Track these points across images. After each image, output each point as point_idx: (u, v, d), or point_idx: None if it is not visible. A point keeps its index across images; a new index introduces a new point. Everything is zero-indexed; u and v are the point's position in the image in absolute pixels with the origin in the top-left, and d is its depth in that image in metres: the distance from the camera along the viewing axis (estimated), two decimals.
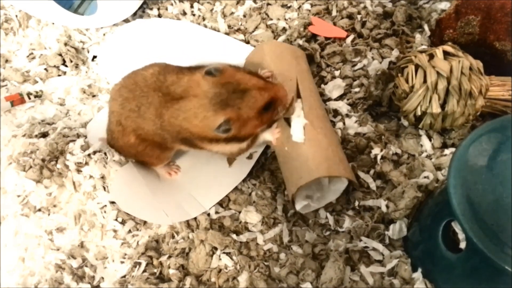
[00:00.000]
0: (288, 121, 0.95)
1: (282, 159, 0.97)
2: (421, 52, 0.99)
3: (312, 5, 1.27)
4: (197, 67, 0.89)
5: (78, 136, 1.04)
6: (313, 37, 1.21)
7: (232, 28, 1.27)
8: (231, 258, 0.90)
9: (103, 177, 0.98)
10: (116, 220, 0.96)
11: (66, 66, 1.24)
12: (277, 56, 1.04)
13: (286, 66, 1.02)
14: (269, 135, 0.97)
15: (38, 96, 1.19)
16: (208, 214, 0.96)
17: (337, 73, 1.13)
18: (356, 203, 0.95)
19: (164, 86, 0.88)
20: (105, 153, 1.00)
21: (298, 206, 0.93)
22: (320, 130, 0.93)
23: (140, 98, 0.89)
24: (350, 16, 1.22)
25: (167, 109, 0.87)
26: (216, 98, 0.82)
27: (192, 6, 1.32)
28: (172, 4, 1.32)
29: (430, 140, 1.01)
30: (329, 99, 1.10)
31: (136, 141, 0.94)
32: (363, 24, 1.20)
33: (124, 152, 1.00)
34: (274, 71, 0.99)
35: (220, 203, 0.98)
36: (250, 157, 1.02)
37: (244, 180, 1.00)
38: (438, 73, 0.94)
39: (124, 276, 0.91)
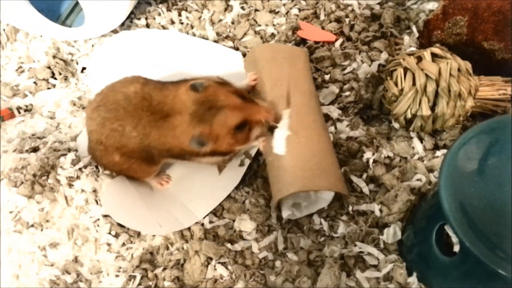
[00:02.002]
0: (273, 131, 0.95)
1: (267, 168, 0.98)
2: (410, 54, 0.99)
3: (300, 10, 1.27)
4: (182, 81, 0.91)
5: (69, 150, 1.04)
6: (302, 42, 1.20)
7: (221, 35, 1.27)
8: (227, 268, 0.90)
9: (95, 191, 0.97)
10: (109, 233, 0.95)
11: (56, 78, 1.24)
12: (268, 60, 1.04)
13: (277, 69, 1.02)
14: (256, 141, 0.98)
15: (28, 110, 1.18)
16: (202, 224, 0.96)
17: (327, 77, 1.13)
18: (350, 208, 0.95)
19: (152, 105, 0.88)
20: (96, 167, 1.00)
21: (285, 214, 0.93)
22: (304, 139, 0.93)
23: (125, 118, 0.89)
24: (338, 20, 1.22)
25: (157, 129, 0.88)
26: (195, 114, 0.85)
27: (180, 15, 1.32)
28: (160, 14, 1.32)
29: (422, 142, 1.01)
30: (322, 104, 1.10)
31: (120, 159, 0.94)
32: (352, 27, 1.20)
33: (110, 169, 0.99)
34: (265, 77, 0.99)
35: (213, 212, 0.98)
36: (242, 164, 1.02)
37: (237, 188, 1.00)
38: (426, 75, 0.94)
39: None
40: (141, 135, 0.89)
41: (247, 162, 1.01)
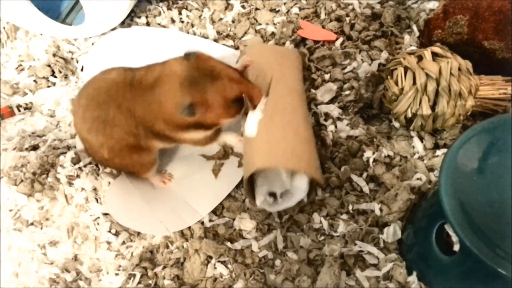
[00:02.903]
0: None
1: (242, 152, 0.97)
2: (410, 54, 0.99)
3: (300, 9, 1.27)
4: (172, 58, 0.88)
5: (69, 148, 1.04)
6: (302, 41, 1.20)
7: (221, 34, 1.26)
8: (226, 267, 0.90)
9: (95, 189, 0.97)
10: (109, 231, 0.96)
11: (55, 77, 1.24)
12: (257, 56, 1.04)
13: (263, 65, 1.02)
14: (233, 139, 0.99)
15: (28, 108, 1.18)
16: (202, 223, 0.96)
17: (327, 76, 1.13)
18: (350, 207, 0.95)
19: (134, 80, 0.87)
20: (96, 165, 1.00)
21: (258, 201, 0.92)
22: (278, 123, 0.92)
23: (108, 102, 0.87)
24: (339, 19, 1.22)
25: (141, 102, 0.86)
26: (186, 81, 0.82)
27: (180, 13, 1.31)
28: (160, 12, 1.32)
29: (422, 141, 1.01)
30: (321, 103, 1.10)
31: (109, 155, 0.92)
32: (352, 27, 1.20)
33: (107, 166, 0.99)
34: (250, 69, 1.00)
35: (214, 211, 0.98)
36: (240, 165, 1.02)
37: (237, 187, 1.00)
38: (427, 74, 0.94)
39: None
40: (125, 113, 0.87)
41: None
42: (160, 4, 1.33)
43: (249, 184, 0.93)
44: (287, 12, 1.27)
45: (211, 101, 0.83)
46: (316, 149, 0.96)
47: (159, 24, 1.30)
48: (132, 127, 0.88)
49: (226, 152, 1.06)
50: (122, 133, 0.89)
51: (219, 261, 0.91)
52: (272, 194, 0.92)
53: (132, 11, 1.31)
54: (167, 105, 0.84)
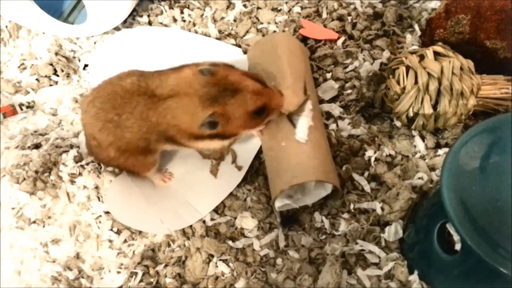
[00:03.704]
0: (290, 118, 0.95)
1: (277, 154, 0.94)
2: (412, 53, 0.99)
3: (302, 8, 1.27)
4: (184, 66, 0.89)
5: (71, 146, 1.04)
6: (304, 40, 1.20)
7: (223, 33, 1.26)
8: (228, 265, 0.90)
9: (97, 187, 0.98)
10: (111, 230, 0.96)
11: (58, 75, 1.24)
12: (290, 51, 1.04)
13: (298, 63, 1.03)
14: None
15: (30, 106, 1.18)
16: (204, 221, 0.96)
17: (328, 75, 1.13)
18: (351, 206, 0.95)
19: (149, 90, 0.87)
20: (98, 164, 1.00)
21: (278, 204, 0.92)
22: (321, 132, 0.95)
23: (122, 106, 0.88)
24: (341, 18, 1.22)
25: (155, 110, 0.86)
26: (206, 95, 0.83)
27: (182, 12, 1.32)
28: (162, 11, 1.32)
29: (423, 141, 1.01)
30: (322, 101, 1.10)
31: (116, 154, 0.93)
32: (354, 26, 1.20)
33: (107, 165, 0.99)
34: (288, 66, 1.00)
35: (215, 210, 0.98)
36: (239, 168, 1.02)
37: (238, 186, 1.00)
38: (429, 74, 0.94)
39: (121, 287, 0.91)
40: (138, 120, 0.87)
41: (249, 161, 1.02)
42: (162, 3, 1.33)
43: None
44: (289, 11, 1.27)
45: (232, 115, 0.84)
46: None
47: (161, 23, 1.30)
48: (144, 133, 0.89)
49: (222, 154, 1.05)
50: (133, 137, 0.90)
51: (220, 260, 0.91)
52: (289, 196, 0.93)
53: (134, 10, 1.31)
54: (184, 117, 0.85)
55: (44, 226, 0.96)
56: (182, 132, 0.88)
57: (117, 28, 1.29)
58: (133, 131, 0.89)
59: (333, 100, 1.10)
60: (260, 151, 1.02)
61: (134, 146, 0.92)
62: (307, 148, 0.91)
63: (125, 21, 1.29)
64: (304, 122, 0.93)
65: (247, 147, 1.01)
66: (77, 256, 0.95)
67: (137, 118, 0.88)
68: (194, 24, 1.29)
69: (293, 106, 0.94)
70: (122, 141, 0.91)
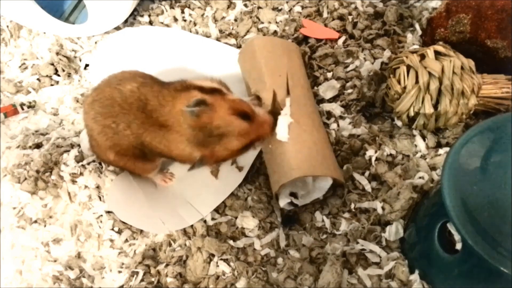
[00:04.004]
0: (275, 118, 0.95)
1: (267, 156, 0.98)
2: (412, 52, 0.99)
3: (303, 7, 1.27)
4: (179, 89, 0.87)
5: (72, 146, 1.04)
6: (305, 40, 1.20)
7: (224, 32, 1.27)
8: (229, 265, 0.91)
9: (98, 187, 0.98)
10: (112, 229, 0.96)
11: (59, 75, 1.24)
12: (268, 51, 1.04)
13: (277, 61, 1.03)
14: None
15: (31, 106, 1.18)
16: (205, 221, 0.96)
17: (329, 75, 1.13)
18: (352, 206, 0.95)
19: (147, 109, 0.86)
20: (99, 163, 1.00)
21: (282, 203, 0.94)
22: (306, 128, 0.94)
23: (119, 115, 0.87)
24: (341, 17, 1.22)
25: (150, 132, 0.86)
26: (193, 138, 0.83)
27: (183, 12, 1.32)
28: (163, 11, 1.32)
29: (424, 140, 1.01)
30: (323, 101, 1.10)
31: (115, 157, 0.93)
32: (355, 25, 1.20)
33: (109, 165, 1.00)
34: (264, 66, 1.00)
35: (216, 209, 0.98)
36: (240, 169, 1.02)
37: (239, 185, 1.00)
38: (429, 73, 0.94)
39: (122, 286, 0.91)
40: (134, 134, 0.87)
41: (250, 162, 1.02)
42: (163, 2, 1.34)
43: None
44: (290, 10, 1.27)
45: (219, 155, 0.85)
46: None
47: (162, 23, 1.30)
48: (139, 145, 0.89)
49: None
50: (130, 146, 0.90)
51: (221, 259, 0.91)
52: (293, 194, 0.94)
53: (135, 9, 1.31)
54: (176, 151, 0.87)
55: (45, 226, 0.97)
56: (177, 159, 0.90)
57: (118, 28, 1.29)
58: (130, 140, 0.88)
59: (334, 99, 1.10)
60: (261, 152, 1.03)
61: (131, 153, 0.91)
62: (289, 146, 0.92)
63: (126, 21, 1.29)
64: (283, 121, 0.93)
65: None
66: (78, 256, 0.95)
67: (133, 131, 0.87)
68: (194, 24, 1.29)
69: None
70: (120, 146, 0.90)
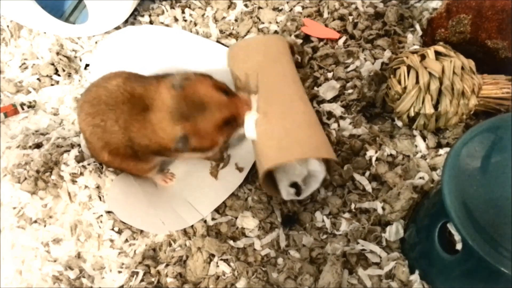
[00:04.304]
0: None
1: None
2: (413, 52, 0.99)
3: (303, 8, 1.27)
4: (164, 76, 0.89)
5: (72, 146, 1.04)
6: (306, 40, 1.20)
7: (224, 32, 1.27)
8: (229, 265, 0.91)
9: (98, 187, 0.98)
10: (112, 229, 0.96)
11: (59, 75, 1.24)
12: (242, 54, 1.04)
13: (249, 60, 1.02)
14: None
15: (31, 106, 1.18)
16: (205, 221, 0.96)
17: (330, 75, 1.13)
18: (352, 206, 0.95)
19: (133, 98, 0.87)
20: (100, 163, 1.00)
21: (284, 195, 0.92)
22: (274, 118, 0.91)
23: (106, 112, 0.88)
24: (342, 18, 1.22)
25: (137, 121, 0.86)
26: (176, 111, 0.83)
27: (183, 12, 1.32)
28: (163, 11, 1.32)
29: (425, 140, 1.01)
30: (323, 101, 1.10)
31: (109, 157, 0.93)
32: (355, 25, 1.20)
33: (107, 166, 1.00)
34: (237, 71, 1.01)
35: (216, 209, 0.98)
36: (240, 170, 1.02)
37: (240, 186, 1.00)
38: (430, 73, 0.94)
39: (122, 286, 0.91)
40: (122, 129, 0.87)
41: (250, 163, 1.01)
42: (163, 2, 1.34)
43: (269, 180, 0.94)
44: (290, 10, 1.27)
45: (203, 130, 0.85)
46: (319, 123, 0.95)
47: (162, 23, 1.30)
48: (127, 141, 0.89)
49: (221, 156, 1.05)
50: (119, 144, 0.90)
51: (221, 259, 0.91)
52: (294, 184, 0.92)
53: (135, 9, 1.31)
54: (160, 134, 0.86)
55: (45, 226, 0.96)
56: (162, 147, 0.88)
57: (118, 28, 1.29)
58: (119, 137, 0.89)
59: (334, 99, 1.10)
60: None
61: (123, 152, 0.91)
62: (258, 142, 0.91)
63: (126, 21, 1.29)
64: (248, 120, 0.91)
65: (248, 148, 1.01)
66: (78, 256, 0.95)
67: (121, 126, 0.87)
68: (195, 24, 1.29)
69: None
70: (111, 145, 0.90)
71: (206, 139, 0.86)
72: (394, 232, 0.89)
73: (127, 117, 0.87)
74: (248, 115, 0.91)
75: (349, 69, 1.14)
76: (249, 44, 1.07)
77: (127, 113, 0.87)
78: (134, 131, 0.87)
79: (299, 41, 1.19)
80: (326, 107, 1.08)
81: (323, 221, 0.95)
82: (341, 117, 1.07)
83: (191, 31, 1.28)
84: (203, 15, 1.31)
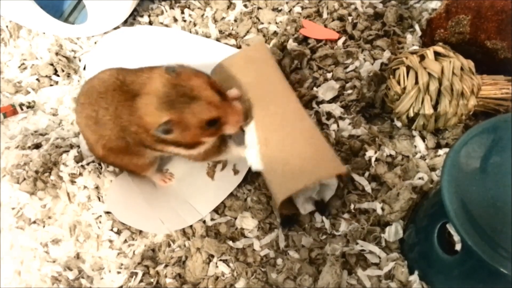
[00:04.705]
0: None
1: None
2: (412, 53, 0.99)
3: (302, 8, 1.26)
4: (159, 66, 0.86)
5: (71, 146, 1.04)
6: (305, 40, 1.20)
7: (224, 33, 1.27)
8: (228, 265, 0.90)
9: (97, 188, 0.98)
10: (111, 230, 0.96)
11: (58, 75, 1.24)
12: (232, 65, 1.01)
13: (233, 82, 0.98)
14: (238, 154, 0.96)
15: (30, 106, 1.18)
16: (204, 221, 0.96)
17: (329, 75, 1.13)
18: (352, 206, 0.95)
19: (124, 85, 0.86)
20: (99, 163, 1.00)
21: (303, 210, 0.93)
22: (275, 144, 0.90)
23: (98, 101, 0.87)
24: (341, 18, 1.22)
25: (127, 107, 0.84)
26: (164, 97, 0.80)
27: (182, 12, 1.32)
28: (162, 11, 1.32)
29: (424, 141, 1.01)
30: (322, 101, 1.10)
31: (104, 152, 0.92)
32: (354, 26, 1.20)
33: (104, 162, 1.00)
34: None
35: (215, 210, 0.98)
36: (236, 172, 1.02)
37: (239, 186, 1.00)
38: (429, 74, 0.94)
39: (121, 287, 0.91)
40: (113, 117, 0.86)
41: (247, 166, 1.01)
42: (163, 3, 1.34)
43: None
44: (289, 11, 1.27)
45: (187, 122, 0.81)
46: (321, 136, 0.93)
47: (162, 23, 1.30)
48: (119, 131, 0.87)
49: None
50: (111, 135, 0.89)
51: (220, 260, 0.91)
52: (309, 198, 0.93)
53: (134, 10, 1.31)
54: (145, 119, 0.83)
55: (44, 226, 0.96)
56: (148, 133, 0.85)
57: (117, 28, 1.28)
58: (110, 128, 0.87)
59: (333, 100, 1.10)
60: None
61: (115, 145, 0.90)
62: (266, 173, 0.91)
63: (125, 21, 1.29)
64: (250, 153, 0.91)
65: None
66: (77, 256, 0.95)
67: (112, 115, 0.86)
68: (194, 24, 1.29)
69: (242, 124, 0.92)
70: (103, 138, 0.89)
71: (187, 133, 0.83)
72: (393, 232, 0.89)
73: (118, 105, 0.85)
74: (249, 150, 0.91)
75: (348, 69, 1.13)
76: (232, 64, 1.01)
77: (117, 99, 0.85)
78: (124, 118, 0.85)
79: (296, 45, 1.19)
80: (326, 107, 1.08)
81: (322, 221, 0.95)
82: (341, 118, 1.07)
83: (190, 32, 1.28)
84: (202, 16, 1.31)
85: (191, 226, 0.95)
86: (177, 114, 0.80)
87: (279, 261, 0.91)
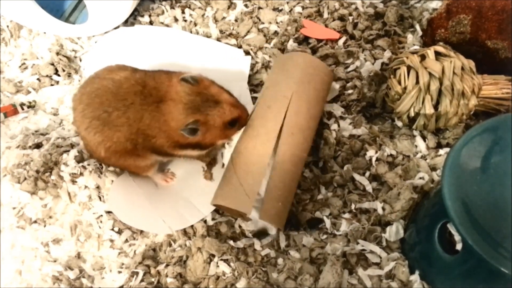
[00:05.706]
0: None
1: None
2: (413, 53, 0.99)
3: (303, 8, 1.27)
4: (173, 72, 0.93)
5: (72, 146, 1.04)
6: (305, 40, 1.20)
7: (224, 33, 1.27)
8: (229, 265, 0.90)
9: (98, 187, 0.98)
10: (112, 229, 0.96)
11: (59, 75, 1.24)
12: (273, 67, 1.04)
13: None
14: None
15: (31, 106, 1.18)
16: (205, 221, 0.96)
17: None
18: (353, 206, 0.95)
19: (145, 90, 0.89)
20: (99, 163, 1.00)
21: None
22: (241, 158, 0.92)
23: (114, 103, 0.88)
24: (342, 18, 1.22)
25: (150, 112, 0.88)
26: (190, 103, 0.87)
27: (183, 12, 1.32)
28: (163, 11, 1.32)
29: (425, 141, 1.01)
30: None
31: (105, 154, 0.93)
32: (355, 26, 1.20)
33: (105, 164, 1.00)
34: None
35: (216, 210, 0.98)
36: None
37: None
38: (430, 74, 0.94)
39: (122, 286, 0.91)
40: (130, 120, 0.88)
41: None
42: (163, 3, 1.34)
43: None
44: (290, 11, 1.27)
45: (212, 123, 0.89)
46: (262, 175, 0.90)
47: (162, 23, 1.30)
48: (133, 134, 0.90)
49: (214, 159, 1.06)
50: (121, 137, 0.90)
51: (221, 260, 0.91)
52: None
53: (135, 10, 1.31)
54: (171, 124, 0.88)
55: (45, 226, 0.96)
56: (169, 139, 0.91)
57: (118, 28, 1.28)
58: (122, 132, 0.89)
59: (334, 100, 1.10)
60: None
61: (122, 147, 0.91)
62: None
63: (126, 21, 1.29)
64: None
65: None
66: (78, 256, 0.95)
67: (129, 117, 0.88)
68: (195, 24, 1.29)
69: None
70: (111, 140, 0.90)
71: (212, 133, 0.90)
72: (394, 232, 0.89)
73: (139, 109, 0.88)
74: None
75: (349, 69, 1.14)
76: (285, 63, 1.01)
77: (138, 104, 0.88)
78: (146, 122, 0.89)
79: (296, 45, 1.19)
80: (326, 107, 1.08)
81: (323, 221, 0.95)
82: (341, 117, 1.07)
83: (191, 32, 1.28)
84: (203, 15, 1.31)
85: (192, 226, 0.95)
86: (204, 116, 0.88)
87: (280, 260, 0.91)
